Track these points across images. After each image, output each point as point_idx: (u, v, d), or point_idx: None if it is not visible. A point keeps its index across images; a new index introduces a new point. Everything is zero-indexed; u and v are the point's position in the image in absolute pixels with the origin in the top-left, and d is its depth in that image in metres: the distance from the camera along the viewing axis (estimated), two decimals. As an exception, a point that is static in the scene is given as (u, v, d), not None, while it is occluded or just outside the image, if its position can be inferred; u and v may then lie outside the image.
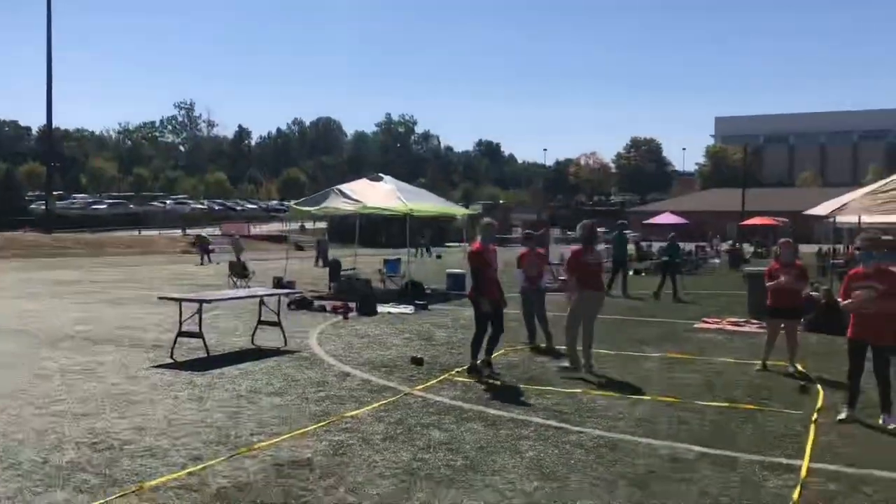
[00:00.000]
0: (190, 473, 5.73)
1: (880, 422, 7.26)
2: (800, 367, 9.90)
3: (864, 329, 7.51)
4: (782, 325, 10.06)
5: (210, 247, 37.76)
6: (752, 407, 7.98)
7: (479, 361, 9.54)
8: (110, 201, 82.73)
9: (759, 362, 10.10)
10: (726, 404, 8.10)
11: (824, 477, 5.75)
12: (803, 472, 5.84)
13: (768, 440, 6.76)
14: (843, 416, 7.44)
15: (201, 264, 34.37)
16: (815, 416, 7.57)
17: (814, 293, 14.27)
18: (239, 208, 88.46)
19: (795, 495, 5.32)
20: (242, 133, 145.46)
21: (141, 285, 22.93)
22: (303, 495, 5.32)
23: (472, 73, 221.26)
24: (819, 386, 8.99)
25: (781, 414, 7.72)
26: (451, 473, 5.81)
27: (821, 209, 14.45)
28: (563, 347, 10.15)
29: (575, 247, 10.08)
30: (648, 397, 8.41)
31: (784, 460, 6.17)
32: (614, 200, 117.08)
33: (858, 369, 7.55)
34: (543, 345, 11.64)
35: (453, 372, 9.68)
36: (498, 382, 9.12)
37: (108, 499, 5.18)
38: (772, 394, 8.66)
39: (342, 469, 5.89)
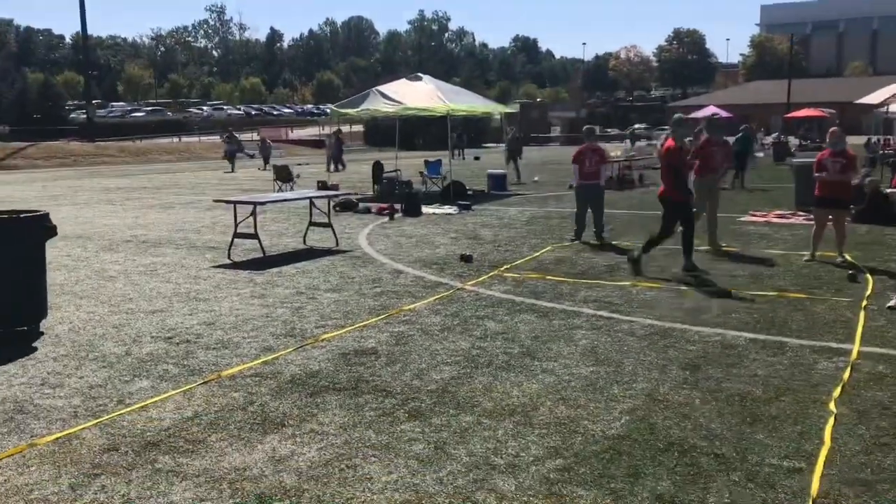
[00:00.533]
0: (264, 363, 6.08)
1: None
2: (849, 258, 9.93)
3: None
4: (830, 216, 10.05)
5: (237, 152, 35.62)
6: (801, 295, 8.10)
7: (686, 265, 9.48)
8: (149, 108, 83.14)
9: (808, 253, 10.14)
10: (775, 293, 8.23)
11: (874, 360, 5.91)
12: (853, 355, 6.00)
13: (818, 326, 6.91)
14: (893, 302, 7.53)
15: (232, 171, 32.91)
16: (864, 302, 7.67)
17: (865, 182, 14.11)
18: (276, 113, 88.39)
19: (846, 376, 5.50)
20: (275, 36, 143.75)
21: (188, 190, 23.39)
22: (372, 380, 5.64)
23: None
24: (868, 274, 9.04)
25: (830, 301, 7.84)
26: (509, 360, 6.08)
27: (872, 98, 14.09)
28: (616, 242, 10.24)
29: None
30: (697, 288, 8.57)
31: (834, 344, 6.33)
32: (655, 95, 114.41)
33: None
34: (594, 241, 11.75)
35: (503, 268, 9.90)
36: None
37: (190, 385, 5.55)
38: (821, 283, 8.75)
39: (406, 357, 6.19)
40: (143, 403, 5.21)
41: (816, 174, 10.08)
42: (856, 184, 13.14)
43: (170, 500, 3.85)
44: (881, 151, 22.76)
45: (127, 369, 5.99)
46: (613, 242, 11.70)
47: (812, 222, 11.98)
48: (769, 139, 45.37)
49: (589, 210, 12.08)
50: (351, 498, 3.87)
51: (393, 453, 4.39)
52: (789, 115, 54.78)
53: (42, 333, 7.00)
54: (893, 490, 3.85)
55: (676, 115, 10.04)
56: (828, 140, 10.40)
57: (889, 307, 7.51)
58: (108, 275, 9.91)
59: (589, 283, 8.93)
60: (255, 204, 11.17)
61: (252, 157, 46.93)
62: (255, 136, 62.04)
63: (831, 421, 4.70)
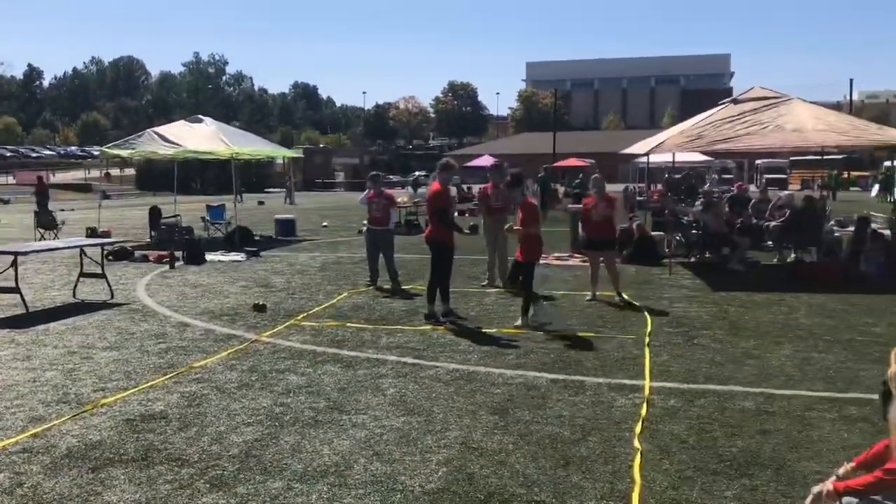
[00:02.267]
0: (33, 436, 5.31)
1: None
2: (625, 296, 10.60)
3: None
4: (601, 257, 10.76)
5: None
6: (589, 334, 8.48)
7: (445, 310, 9.31)
8: None
9: (590, 293, 10.71)
10: (565, 333, 8.54)
11: (665, 394, 6.24)
12: (646, 391, 6.30)
13: (610, 363, 7.23)
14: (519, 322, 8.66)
15: None
16: (647, 339, 8.16)
17: (633, 226, 15.27)
18: (34, 155, 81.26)
19: (643, 412, 5.74)
20: (33, 73, 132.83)
21: (-72, 240, 20.62)
22: (164, 448, 5.08)
23: (286, 10, 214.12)
24: (646, 312, 9.68)
25: (616, 339, 8.26)
26: (316, 415, 5.76)
27: (638, 147, 15.36)
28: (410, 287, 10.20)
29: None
30: (493, 330, 8.71)
31: (627, 381, 6.63)
32: (433, 144, 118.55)
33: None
34: (388, 286, 11.68)
35: (300, 317, 9.53)
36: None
37: (-60, 470, 4.70)
38: (605, 321, 9.23)
39: (201, 419, 5.67)
40: None
41: (584, 215, 10.82)
42: (623, 227, 14.24)
43: None
44: (641, 198, 24.91)
45: None
46: (405, 287, 11.69)
47: (588, 264, 12.77)
48: (537, 186, 48.29)
49: (381, 255, 12.02)
50: (150, 590, 3.38)
51: (196, 531, 3.93)
52: (556, 164, 58.79)
53: None
54: (703, 522, 4.00)
55: (443, 160, 10.26)
56: (591, 186, 11.16)
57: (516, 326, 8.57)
58: None
59: (389, 329, 8.79)
60: (15, 254, 9.97)
61: (7, 202, 42.70)
62: (11, 179, 56.74)
63: (638, 458, 4.84)
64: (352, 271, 13.64)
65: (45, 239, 18.86)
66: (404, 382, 6.63)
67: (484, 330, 8.75)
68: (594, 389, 6.40)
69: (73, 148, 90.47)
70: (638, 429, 5.38)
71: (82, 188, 53.39)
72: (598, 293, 10.69)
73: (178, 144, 18.23)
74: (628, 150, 16.81)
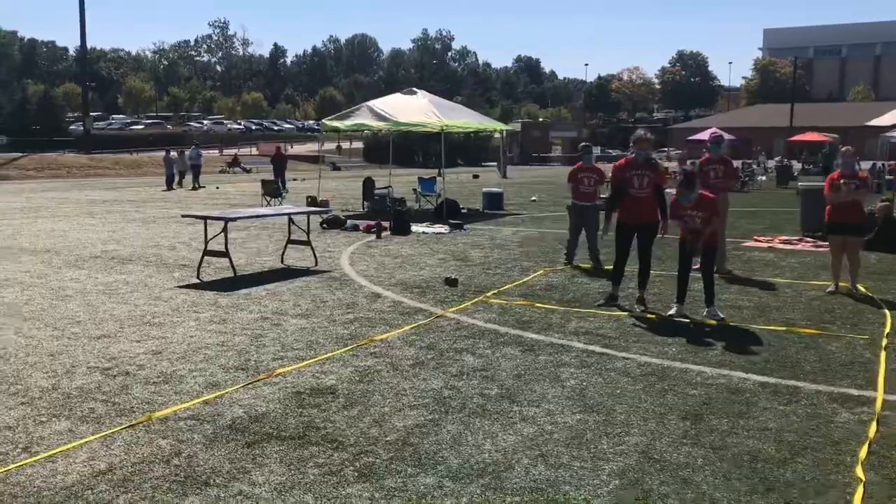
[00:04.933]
0: (205, 402, 5.33)
1: None
2: (862, 289, 9.19)
3: None
4: (845, 244, 9.32)
5: (175, 166, 31.84)
6: (813, 331, 7.36)
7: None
8: (148, 121, 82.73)
9: (832, 285, 9.33)
10: (784, 328, 7.48)
11: (902, 411, 5.16)
12: (878, 405, 5.24)
13: (834, 368, 6.16)
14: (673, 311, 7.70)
15: (167, 189, 29.91)
16: (884, 341, 6.92)
17: (876, 207, 13.38)
18: (276, 128, 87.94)
19: (871, 433, 4.75)
20: (278, 51, 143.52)
21: (175, 204, 22.67)
22: (323, 427, 4.88)
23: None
24: (886, 309, 8.30)
25: (845, 338, 7.09)
26: (485, 403, 5.33)
27: (883, 119, 13.37)
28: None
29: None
30: (697, 318, 7.82)
31: (854, 391, 5.58)
32: (657, 117, 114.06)
33: None
34: (587, 265, 11.00)
35: (489, 293, 9.16)
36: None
37: (113, 429, 4.80)
38: (834, 317, 8.00)
39: (367, 398, 5.44)
40: (51, 452, 4.45)
41: (828, 195, 9.36)
42: (870, 210, 12.43)
43: (40, 591, 3.10)
44: (890, 177, 22.05)
45: (48, 407, 5.24)
46: (607, 268, 10.93)
47: (821, 250, 11.24)
48: (772, 163, 44.69)
49: (584, 233, 11.34)
50: (268, 591, 3.12)
51: (331, 527, 3.63)
52: (792, 138, 54.18)
53: (-34, 361, 6.25)
54: (944, 593, 3.09)
55: (637, 132, 9.18)
56: (840, 160, 9.69)
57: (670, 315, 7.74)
58: (64, 294, 9.17)
59: (581, 313, 8.18)
60: (225, 220, 10.44)
61: (248, 171, 46.33)
62: (254, 150, 61.66)
63: (860, 491, 3.94)
64: (552, 248, 13.08)
65: (269, 206, 20.02)
66: (587, 374, 6.03)
67: (686, 319, 7.89)
68: (811, 398, 5.43)
69: (311, 122, 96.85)
70: (863, 453, 4.42)
71: (314, 160, 56.81)
72: (839, 284, 9.31)
73: (390, 117, 18.50)
74: (878, 122, 14.74)
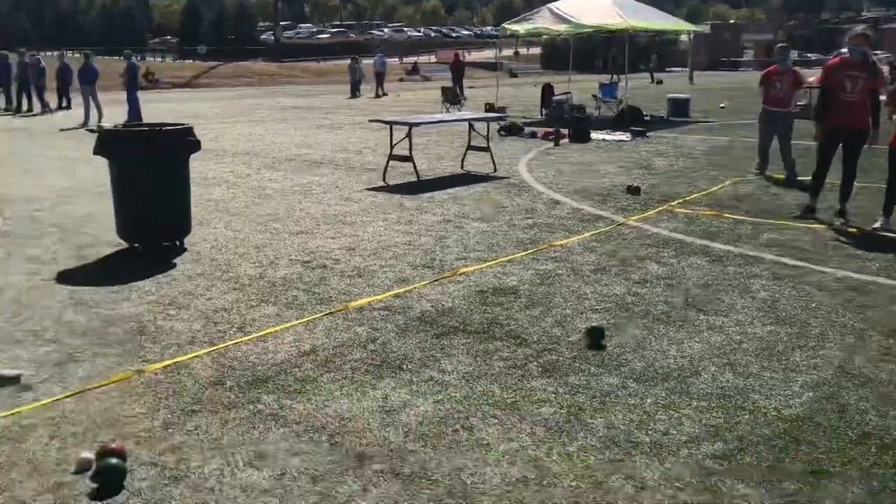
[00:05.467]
0: (395, 295, 5.62)
1: None
2: None
3: None
4: None
5: (358, 75, 32.08)
6: None
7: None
8: (333, 30, 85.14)
9: None
10: None
11: None
12: None
13: None
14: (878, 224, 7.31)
15: (352, 96, 30.64)
16: None
17: None
18: (454, 35, 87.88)
19: None
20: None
21: (360, 111, 23.45)
22: (507, 324, 5.03)
23: None
24: None
25: None
26: (669, 311, 5.26)
27: None
28: (807, 179, 8.82)
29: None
30: (907, 236, 7.24)
31: None
32: (867, 16, 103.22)
33: None
34: (781, 175, 10.37)
35: (674, 203, 8.89)
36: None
37: (315, 316, 5.19)
38: None
39: (549, 299, 5.52)
40: (262, 333, 4.89)
41: None
42: None
43: (260, 450, 3.46)
44: None
45: (257, 293, 5.72)
46: (801, 178, 10.27)
47: None
48: None
49: (775, 141, 10.65)
50: (459, 468, 3.31)
51: (517, 416, 3.78)
52: None
53: (185, 250, 6.91)
54: None
55: (859, 28, 8.28)
56: None
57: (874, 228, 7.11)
58: (264, 193, 9.84)
59: (773, 225, 7.78)
60: (410, 125, 10.69)
61: (428, 78, 46.86)
62: (433, 59, 62.09)
63: None
64: (742, 157, 12.41)
65: (448, 112, 20.25)
66: (780, 287, 5.77)
67: (893, 234, 7.31)
68: None
69: (488, 28, 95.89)
70: None
71: (491, 66, 56.46)
72: None
73: (572, 19, 17.97)
74: None
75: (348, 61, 34.37)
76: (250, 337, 4.82)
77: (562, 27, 18.42)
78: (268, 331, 4.92)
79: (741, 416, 3.77)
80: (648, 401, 3.93)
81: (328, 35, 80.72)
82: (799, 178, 10.03)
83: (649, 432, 3.60)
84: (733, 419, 3.73)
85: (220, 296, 5.65)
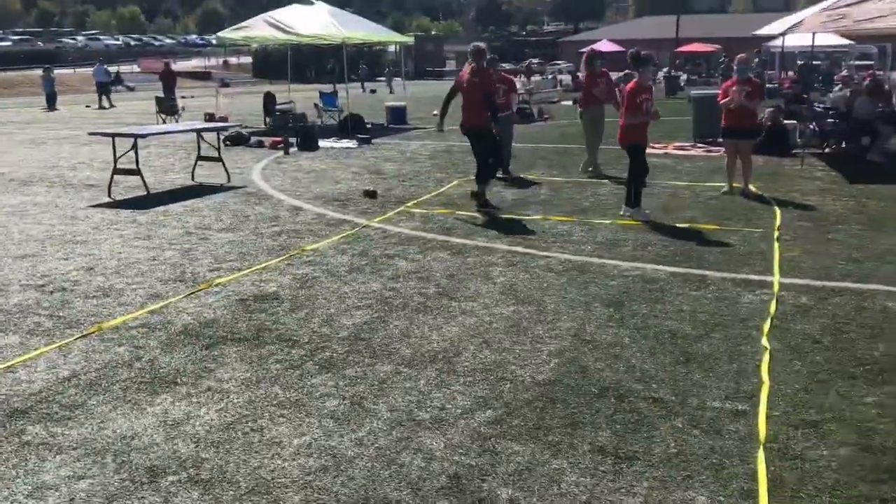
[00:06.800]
0: (151, 312, 5.44)
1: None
2: (753, 188, 9.94)
3: None
4: (738, 148, 9.98)
5: (111, 83, 31.20)
6: (713, 226, 7.99)
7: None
8: (16, 38, 76.92)
9: (725, 185, 10.02)
10: (686, 225, 8.09)
11: (796, 291, 5.79)
12: (775, 287, 5.87)
13: (735, 258, 6.78)
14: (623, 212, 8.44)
15: (101, 107, 28.83)
16: (776, 233, 7.61)
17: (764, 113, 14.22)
18: (157, 43, 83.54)
19: (772, 309, 5.35)
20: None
21: (62, 125, 21.64)
22: (275, 328, 5.11)
23: None
24: (775, 206, 9.04)
25: (742, 232, 7.75)
26: (425, 301, 5.66)
27: (773, 28, 14.14)
28: (524, 175, 9.84)
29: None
30: (608, 221, 8.34)
31: (754, 276, 6.20)
32: (548, 30, 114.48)
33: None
34: (501, 175, 11.35)
35: (409, 204, 9.41)
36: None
37: (66, 340, 4.88)
38: (730, 214, 8.68)
39: (312, 301, 5.67)
40: (8, 364, 4.51)
41: (722, 102, 9.96)
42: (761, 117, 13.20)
43: (40, 481, 3.26)
44: (771, 84, 23.25)
45: (-10, 324, 5.23)
46: (520, 175, 11.37)
47: (712, 155, 11.97)
48: (660, 74, 45.99)
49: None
50: (258, 466, 3.39)
51: (304, 412, 3.91)
52: (679, 49, 55.74)
53: None
54: (840, 430, 3.67)
55: (475, 44, 9.62)
56: (735, 67, 10.25)
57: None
58: (-32, 217, 8.85)
59: (500, 218, 8.56)
60: (136, 137, 10.20)
61: (132, 89, 44.29)
62: (136, 68, 58.60)
63: (766, 357, 4.51)
64: (462, 160, 13.36)
65: (166, 124, 19.41)
66: (514, 272, 6.43)
67: (597, 221, 8.39)
68: (717, 284, 6.02)
69: (193, 37, 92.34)
70: (766, 327, 5.01)
71: (202, 76, 54.58)
72: (733, 185, 10.00)
73: (290, 29, 18.09)
74: (762, 31, 15.52)
75: (40, 71, 31.37)
76: (-5, 369, 4.43)
77: (281, 36, 18.44)
78: (15, 361, 4.55)
79: (503, 385, 4.22)
80: (422, 382, 4.25)
81: (10, 43, 72.80)
82: (516, 177, 11.08)
83: (428, 409, 3.92)
84: (497, 389, 4.17)
85: (-54, 330, 5.09)
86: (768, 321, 5.11)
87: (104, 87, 30.24)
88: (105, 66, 31.41)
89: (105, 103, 29.42)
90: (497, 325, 5.14)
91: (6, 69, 54.65)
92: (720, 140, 10.97)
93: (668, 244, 7.30)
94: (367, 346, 4.79)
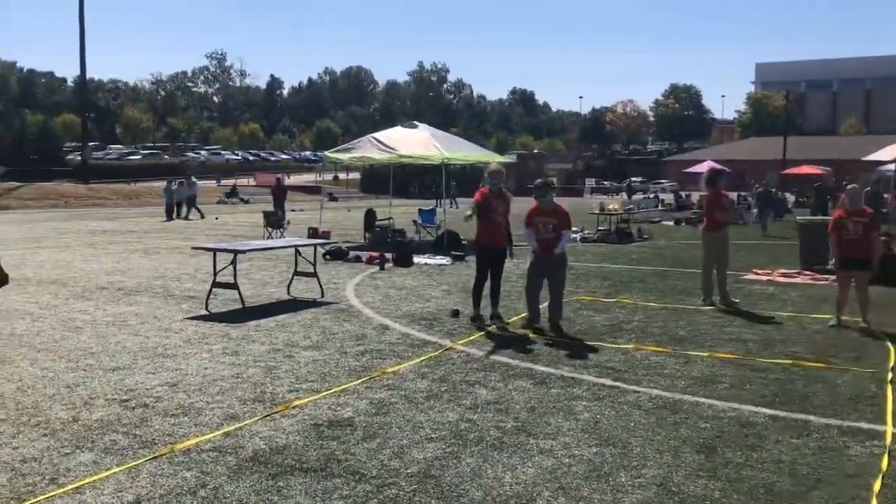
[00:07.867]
0: (225, 434, 5.40)
1: None
2: (862, 323, 9.32)
3: None
4: (853, 279, 9.45)
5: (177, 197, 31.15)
6: (818, 365, 7.46)
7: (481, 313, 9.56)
8: (146, 152, 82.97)
9: (834, 318, 9.45)
10: (790, 362, 7.58)
11: (911, 444, 5.25)
12: (888, 439, 5.34)
13: (842, 402, 6.26)
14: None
15: (168, 219, 29.65)
16: (889, 375, 7.03)
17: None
18: (273, 159, 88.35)
19: (884, 465, 4.84)
20: (274, 83, 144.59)
21: (177, 235, 22.78)
22: (345, 459, 4.96)
23: (507, 21, 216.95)
24: (889, 342, 8.42)
25: (851, 371, 7.20)
26: (502, 436, 5.41)
27: (884, 153, 13.62)
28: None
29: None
30: (705, 354, 7.93)
31: (864, 425, 5.67)
32: (651, 149, 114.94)
33: None
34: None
35: (496, 326, 9.25)
36: (513, 334, 8.69)
37: (137, 461, 4.87)
38: (838, 350, 8.12)
39: (385, 430, 5.51)
40: (78, 484, 4.51)
41: (832, 233, 9.52)
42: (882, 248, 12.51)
43: None
44: (885, 209, 22.26)
45: (71, 439, 5.30)
46: (614, 300, 11.06)
47: (820, 283, 11.40)
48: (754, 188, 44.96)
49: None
50: None
51: (361, 558, 3.70)
52: (786, 171, 54.71)
53: (-16, 393, 6.31)
54: None
55: (492, 166, 10.15)
56: (846, 199, 9.83)
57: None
58: (74, 325, 9.23)
59: (588, 345, 8.28)
60: (235, 252, 10.55)
61: (247, 202, 46.55)
62: (252, 181, 61.87)
63: (876, 525, 4.03)
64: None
65: (272, 237, 20.16)
66: (600, 407, 6.11)
67: (692, 353, 7.99)
68: (821, 432, 5.53)
69: (307, 153, 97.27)
70: (877, 486, 4.51)
71: (312, 190, 57.02)
72: (843, 318, 9.42)
73: (392, 149, 18.72)
74: (872, 157, 14.99)
75: (163, 184, 33.43)
76: (64, 489, 4.43)
77: (384, 156, 19.10)
78: (85, 481, 4.55)
79: (577, 540, 3.90)
80: (489, 531, 3.98)
81: (140, 157, 78.49)
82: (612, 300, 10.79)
83: (493, 564, 3.64)
84: (570, 544, 3.85)
85: (28, 444, 5.18)
86: (879, 479, 4.61)
87: (191, 200, 31.51)
88: (176, 184, 32.22)
89: (188, 215, 30.68)
90: (576, 469, 4.83)
91: (135, 181, 58.72)
92: (828, 267, 10.44)
93: (768, 383, 6.83)
94: (435, 484, 4.56)
